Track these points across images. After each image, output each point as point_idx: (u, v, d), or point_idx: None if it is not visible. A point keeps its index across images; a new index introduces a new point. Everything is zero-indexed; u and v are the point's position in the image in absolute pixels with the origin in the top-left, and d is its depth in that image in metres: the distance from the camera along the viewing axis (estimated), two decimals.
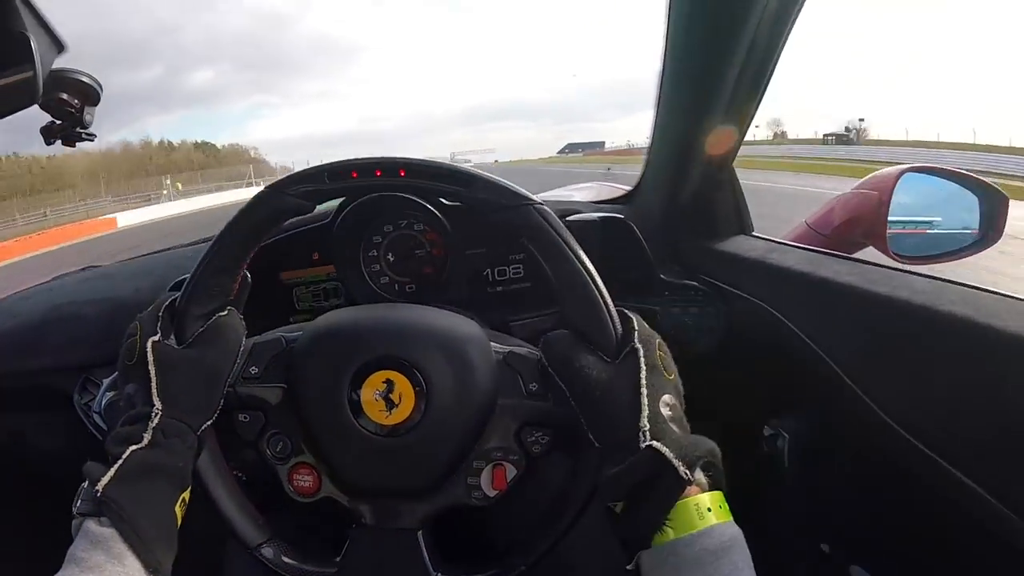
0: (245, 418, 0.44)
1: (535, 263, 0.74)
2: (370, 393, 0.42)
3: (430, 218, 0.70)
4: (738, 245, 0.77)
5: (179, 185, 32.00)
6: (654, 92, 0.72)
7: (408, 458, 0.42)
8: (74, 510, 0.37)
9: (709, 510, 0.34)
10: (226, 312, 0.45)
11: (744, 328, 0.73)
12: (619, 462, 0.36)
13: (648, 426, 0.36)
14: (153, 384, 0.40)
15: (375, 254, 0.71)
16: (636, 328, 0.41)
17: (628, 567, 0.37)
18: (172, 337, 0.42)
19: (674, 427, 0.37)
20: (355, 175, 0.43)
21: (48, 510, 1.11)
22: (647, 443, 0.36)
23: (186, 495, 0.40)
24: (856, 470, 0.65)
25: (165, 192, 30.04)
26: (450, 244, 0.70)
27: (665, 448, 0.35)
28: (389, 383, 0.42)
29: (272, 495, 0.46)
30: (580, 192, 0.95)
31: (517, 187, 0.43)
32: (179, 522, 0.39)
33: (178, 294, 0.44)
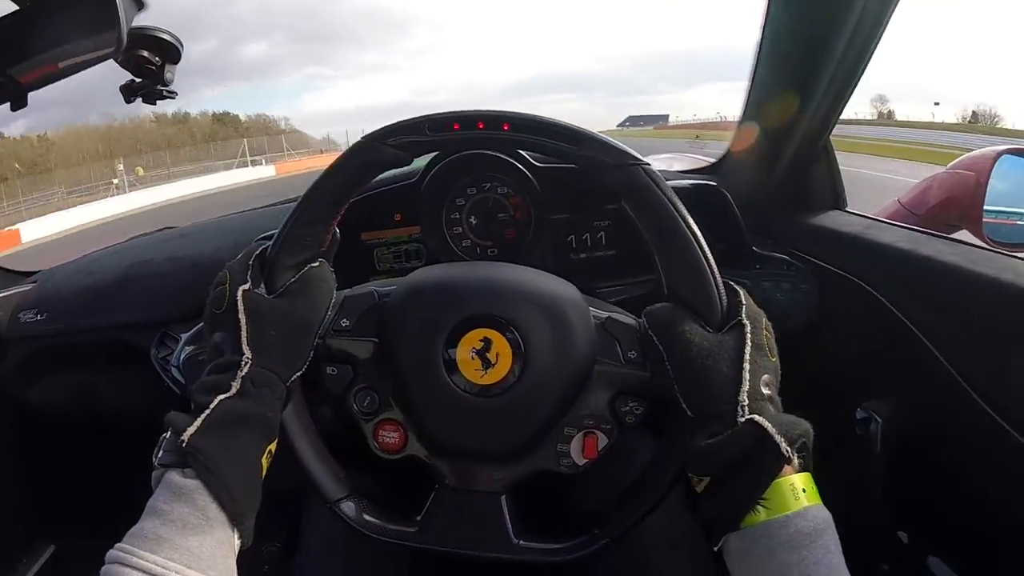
0: (333, 371, 0.43)
1: (619, 231, 0.73)
2: (466, 351, 0.41)
3: (514, 181, 0.68)
4: (833, 220, 0.73)
5: (140, 170, 24.23)
6: (750, 63, 0.69)
7: (500, 420, 0.41)
8: (155, 461, 0.36)
9: (804, 491, 0.33)
10: (317, 263, 0.43)
11: (838, 306, 0.70)
12: (713, 434, 0.35)
13: (747, 401, 0.35)
14: (243, 332, 0.38)
15: (457, 216, 0.70)
16: (744, 303, 0.40)
17: (715, 548, 0.35)
18: (262, 287, 0.41)
19: (771, 407, 0.36)
20: (457, 127, 0.41)
21: (120, 462, 1.15)
22: (747, 417, 0.34)
23: (272, 446, 0.39)
24: (948, 458, 0.63)
25: (116, 181, 21.18)
26: (534, 208, 0.68)
27: (767, 423, 0.34)
28: (486, 341, 0.40)
29: (353, 451, 0.45)
30: (662, 162, 0.92)
31: (626, 146, 0.41)
32: (264, 474, 0.38)
33: (269, 243, 0.43)
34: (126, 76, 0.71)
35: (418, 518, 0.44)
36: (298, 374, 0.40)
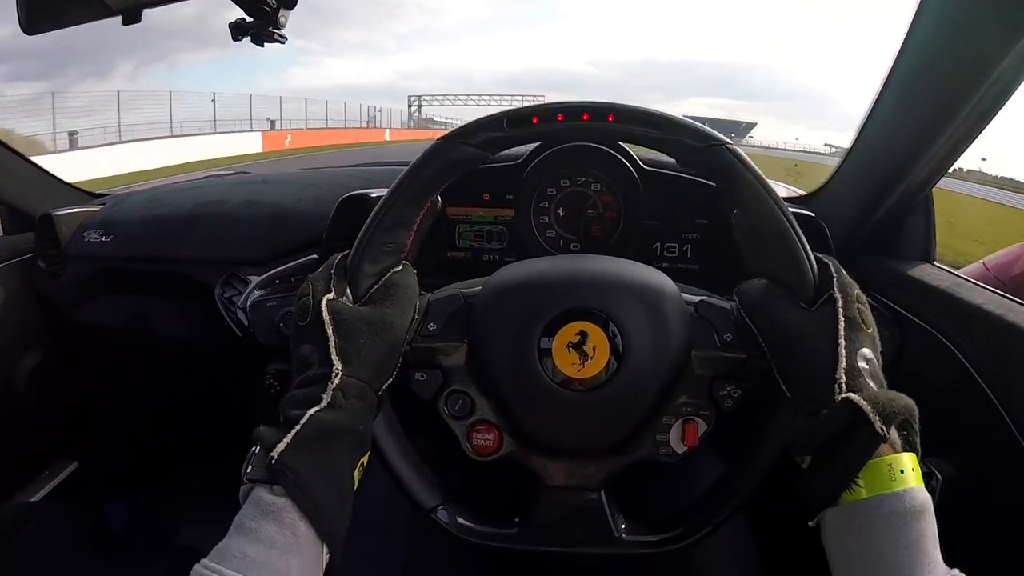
0: (422, 376, 0.42)
1: (706, 247, 0.72)
2: (562, 345, 0.40)
3: (611, 179, 0.67)
4: (923, 272, 0.72)
5: None
6: (869, 103, 0.67)
7: (599, 414, 0.40)
8: (243, 475, 0.34)
9: (902, 472, 0.32)
10: (400, 268, 0.42)
11: (915, 357, 0.68)
12: (811, 414, 0.34)
13: (844, 379, 0.34)
14: (331, 343, 0.37)
15: (547, 206, 0.69)
16: (835, 275, 0.39)
17: (810, 524, 0.35)
18: (346, 295, 0.40)
19: (871, 382, 0.35)
20: (535, 120, 0.40)
21: (159, 391, 1.16)
22: (843, 395, 0.33)
23: (364, 459, 0.38)
24: (1004, 528, 0.61)
25: None
26: (626, 209, 0.67)
27: (863, 401, 0.33)
28: (583, 335, 0.39)
29: (445, 455, 0.44)
30: None
31: (710, 129, 0.40)
32: (356, 487, 0.37)
33: (349, 251, 0.41)
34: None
35: (516, 519, 0.43)
36: (388, 382, 0.39)
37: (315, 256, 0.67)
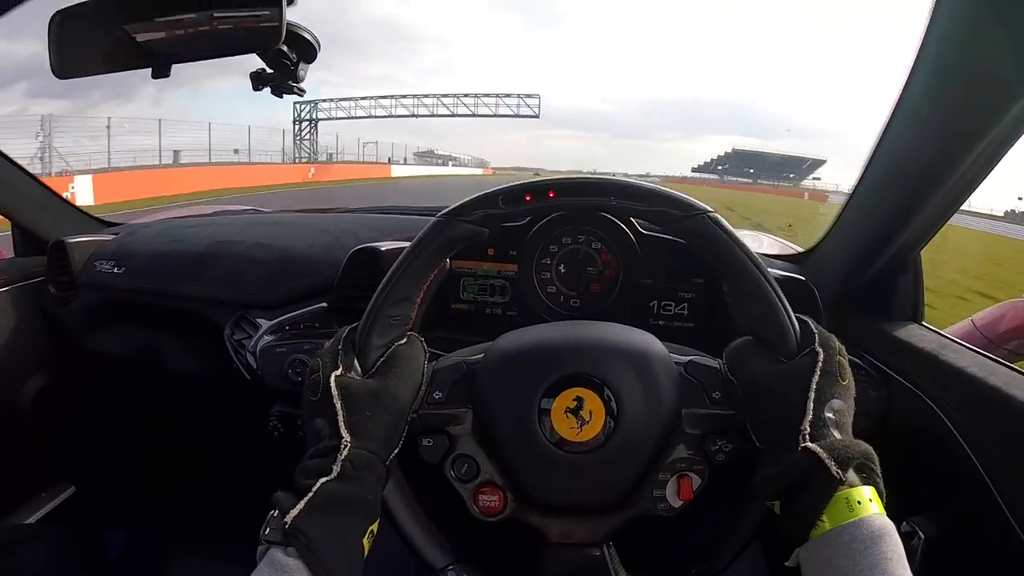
0: (429, 442, 0.44)
1: (702, 306, 0.74)
2: (560, 410, 0.42)
3: (611, 239, 0.70)
4: (910, 332, 0.74)
5: None
6: (862, 165, 0.70)
7: (597, 474, 0.42)
8: (261, 536, 0.37)
9: (859, 503, 0.35)
10: (405, 340, 0.44)
11: (902, 417, 0.70)
12: (777, 462, 0.38)
13: (808, 429, 0.37)
14: (340, 417, 0.39)
15: (548, 262, 0.71)
16: (815, 332, 0.42)
17: (787, 564, 0.37)
18: (354, 368, 0.42)
19: (835, 432, 0.38)
20: (528, 198, 0.43)
21: (160, 424, 1.16)
22: (804, 444, 0.37)
23: (374, 527, 0.40)
24: None
25: None
26: (625, 269, 0.70)
27: (819, 449, 0.36)
28: (579, 400, 0.42)
29: (453, 517, 0.46)
30: (749, 239, 0.93)
31: (692, 199, 0.43)
32: (365, 554, 0.39)
33: (356, 325, 0.44)
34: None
35: None
36: (396, 451, 0.41)
37: (324, 304, 0.69)
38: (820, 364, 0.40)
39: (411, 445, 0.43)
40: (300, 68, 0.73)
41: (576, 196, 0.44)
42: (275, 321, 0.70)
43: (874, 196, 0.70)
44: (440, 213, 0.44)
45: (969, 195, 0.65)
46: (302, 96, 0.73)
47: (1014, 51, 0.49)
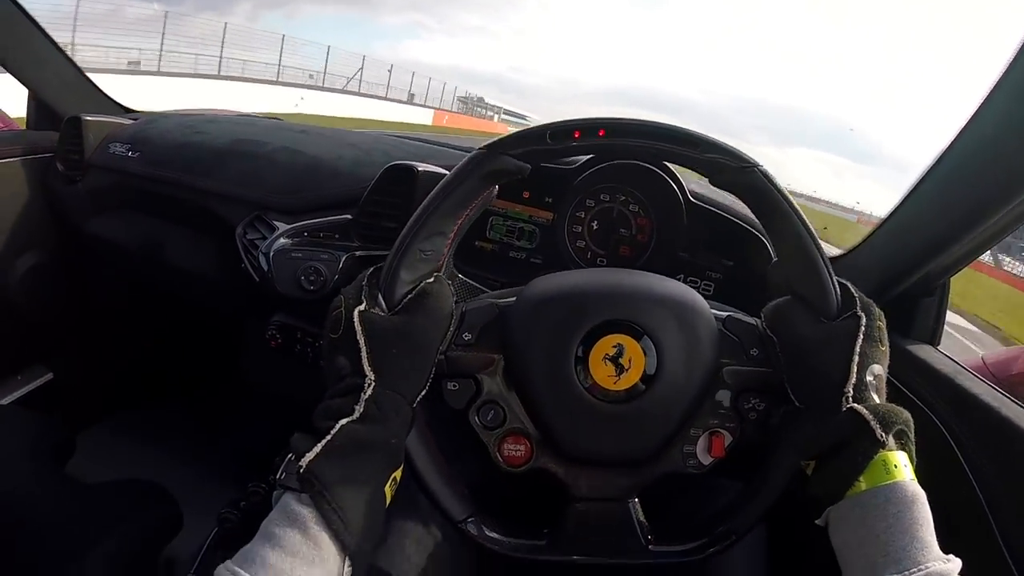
0: (454, 386, 0.42)
1: (727, 287, 0.73)
2: (599, 357, 0.40)
3: (651, 203, 0.68)
4: (926, 354, 0.73)
5: None
6: (911, 183, 0.68)
7: (631, 425, 0.41)
8: (276, 480, 0.34)
9: (896, 467, 0.35)
10: (433, 279, 0.42)
11: None
12: (819, 422, 0.38)
13: (852, 392, 0.37)
14: (363, 354, 0.37)
15: (582, 215, 0.69)
16: (856, 296, 0.42)
17: (817, 522, 0.37)
18: (379, 306, 0.39)
19: (875, 395, 0.38)
20: (577, 135, 0.41)
21: (151, 317, 1.13)
22: (849, 406, 0.37)
23: (397, 473, 0.37)
24: None
25: None
26: (659, 236, 0.68)
27: (865, 411, 0.36)
28: (619, 347, 0.40)
29: (474, 467, 0.44)
30: None
31: (743, 151, 0.42)
32: (387, 502, 0.36)
33: (382, 264, 0.42)
34: None
35: (546, 531, 0.43)
36: (423, 393, 0.39)
37: (348, 216, 0.67)
38: (863, 328, 0.39)
39: (435, 388, 0.41)
40: None
41: (628, 137, 0.42)
42: (294, 226, 0.67)
43: (918, 218, 0.69)
44: (483, 145, 0.41)
45: (1014, 229, 0.64)
46: None
47: None
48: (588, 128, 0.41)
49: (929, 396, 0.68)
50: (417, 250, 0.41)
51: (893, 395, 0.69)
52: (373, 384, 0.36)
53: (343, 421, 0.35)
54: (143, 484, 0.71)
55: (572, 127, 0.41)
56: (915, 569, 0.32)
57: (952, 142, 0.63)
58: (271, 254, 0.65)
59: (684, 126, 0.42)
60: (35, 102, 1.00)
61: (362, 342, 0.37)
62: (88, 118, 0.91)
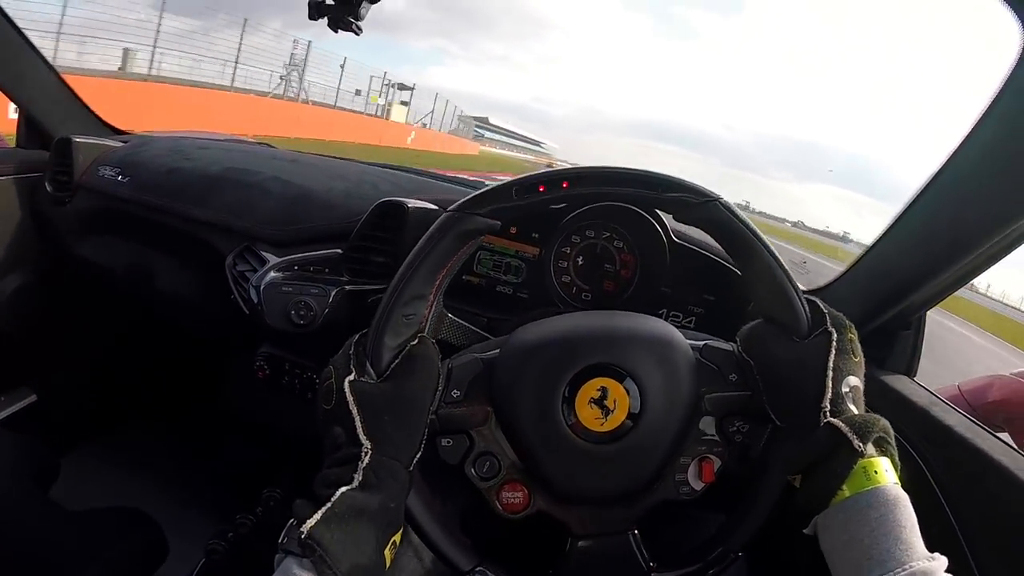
0: (448, 442, 0.43)
1: (709, 322, 0.74)
2: (584, 400, 0.42)
3: (635, 240, 0.69)
4: (903, 385, 0.75)
5: None
6: (891, 217, 0.70)
7: (622, 462, 0.43)
8: (279, 544, 0.35)
9: (876, 472, 0.37)
10: (417, 341, 0.43)
11: None
12: (800, 439, 0.39)
13: (828, 406, 0.39)
14: (358, 424, 0.38)
15: (568, 251, 0.71)
16: (826, 312, 0.43)
17: (805, 531, 0.39)
18: (367, 373, 0.40)
19: (852, 406, 0.40)
20: (542, 188, 0.43)
21: (137, 343, 1.12)
22: (827, 420, 0.38)
23: (397, 537, 0.38)
24: None
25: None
26: (643, 272, 0.69)
27: (842, 424, 0.38)
28: (603, 390, 0.42)
29: (475, 516, 0.46)
30: None
31: (702, 186, 0.44)
32: (388, 565, 0.37)
33: (367, 331, 0.42)
34: None
35: (551, 572, 0.44)
36: (418, 455, 0.40)
37: (338, 250, 0.67)
38: (834, 342, 0.41)
39: (429, 446, 0.42)
40: (362, 7, 0.70)
41: (592, 186, 0.43)
42: (284, 259, 0.68)
43: (898, 252, 0.71)
44: (451, 207, 0.43)
45: (991, 266, 0.66)
46: (358, 35, 0.71)
47: None
48: (552, 181, 0.43)
49: (905, 428, 0.70)
50: (400, 315, 0.42)
51: None
52: (370, 452, 0.37)
53: (343, 489, 0.36)
54: (128, 510, 0.71)
55: (536, 181, 0.43)
56: (899, 569, 0.33)
57: (932, 178, 0.64)
58: (262, 287, 0.66)
59: (644, 168, 0.43)
60: (26, 120, 1.00)
61: (355, 412, 0.38)
62: (78, 139, 0.91)
